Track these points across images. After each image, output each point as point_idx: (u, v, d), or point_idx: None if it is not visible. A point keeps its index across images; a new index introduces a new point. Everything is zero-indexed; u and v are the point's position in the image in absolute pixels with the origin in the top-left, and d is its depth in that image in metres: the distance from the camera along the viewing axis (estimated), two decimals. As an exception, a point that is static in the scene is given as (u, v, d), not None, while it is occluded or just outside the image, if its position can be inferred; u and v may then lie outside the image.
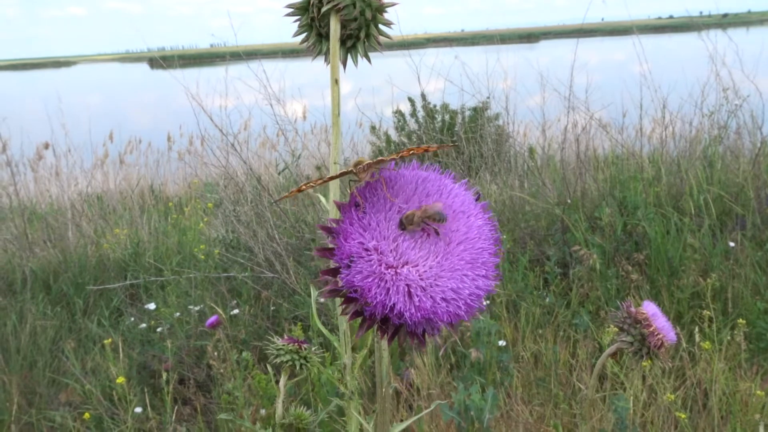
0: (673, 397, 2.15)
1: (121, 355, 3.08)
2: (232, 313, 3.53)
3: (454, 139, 5.74)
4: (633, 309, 1.21)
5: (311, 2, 0.82)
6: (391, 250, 0.64)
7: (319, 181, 0.72)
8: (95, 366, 3.29)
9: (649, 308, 1.20)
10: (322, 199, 0.82)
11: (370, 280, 0.63)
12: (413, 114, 6.85)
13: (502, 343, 2.83)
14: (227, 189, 4.75)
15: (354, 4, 0.80)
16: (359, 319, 0.67)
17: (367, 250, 0.64)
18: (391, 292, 0.63)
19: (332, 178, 0.74)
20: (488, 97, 5.78)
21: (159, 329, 3.52)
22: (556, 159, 5.49)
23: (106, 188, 7.66)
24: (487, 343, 2.61)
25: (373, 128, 7.06)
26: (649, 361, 1.17)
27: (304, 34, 0.85)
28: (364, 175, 0.68)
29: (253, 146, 7.58)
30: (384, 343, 0.75)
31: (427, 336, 0.67)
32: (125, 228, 5.16)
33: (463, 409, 2.00)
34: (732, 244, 3.46)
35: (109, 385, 3.01)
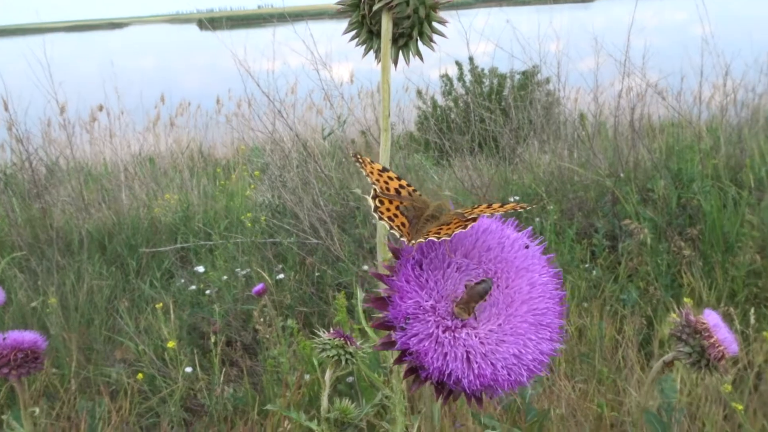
0: (730, 387, 2.09)
1: (172, 316, 3.19)
2: (277, 278, 3.60)
3: (504, 107, 5.62)
4: (693, 317, 1.14)
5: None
6: (449, 312, 0.61)
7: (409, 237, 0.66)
8: (148, 325, 3.42)
9: (711, 318, 1.13)
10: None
11: (426, 344, 0.60)
12: (460, 78, 6.73)
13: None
14: (273, 154, 4.79)
15: (407, 2, 0.77)
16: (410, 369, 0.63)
17: (423, 310, 0.60)
18: (448, 357, 0.59)
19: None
20: (538, 63, 5.61)
21: (208, 292, 3.62)
22: (608, 126, 5.32)
23: (157, 150, 7.84)
24: (531, 317, 2.59)
25: (419, 93, 6.98)
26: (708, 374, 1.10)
27: (355, 31, 0.82)
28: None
29: (299, 111, 7.61)
30: (438, 402, 0.69)
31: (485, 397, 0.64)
32: (176, 194, 5.29)
33: (505, 384, 1.99)
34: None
35: (161, 345, 3.13)
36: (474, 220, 0.63)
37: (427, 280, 0.62)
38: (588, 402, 2.32)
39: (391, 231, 0.67)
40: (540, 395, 2.28)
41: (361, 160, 0.76)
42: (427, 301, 0.61)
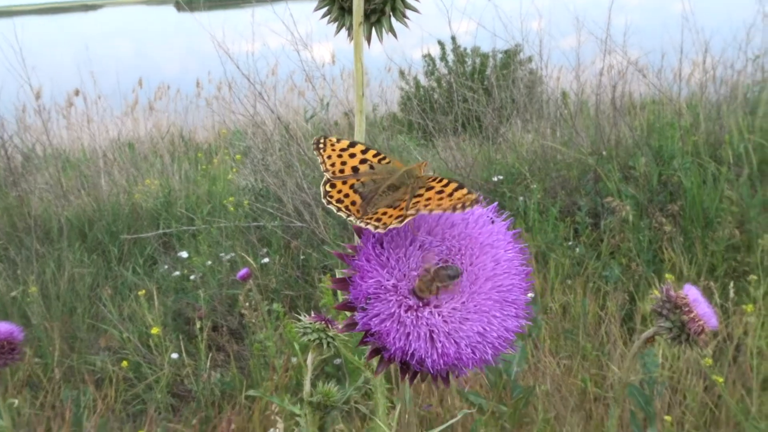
0: (710, 361, 2.13)
1: (156, 303, 3.17)
2: (262, 262, 3.58)
3: (486, 87, 5.60)
4: (673, 293, 1.14)
5: None
6: (411, 291, 0.59)
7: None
8: (132, 312, 3.39)
9: (691, 293, 1.13)
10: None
11: (388, 324, 0.58)
12: (443, 58, 6.70)
13: (529, 294, 2.82)
14: (255, 137, 4.74)
15: None
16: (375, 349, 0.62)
17: (385, 289, 0.58)
18: (411, 337, 0.58)
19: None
20: (520, 42, 5.59)
21: (192, 277, 3.60)
22: (590, 104, 5.33)
23: (136, 135, 7.72)
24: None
25: (402, 73, 6.93)
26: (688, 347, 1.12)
27: (326, 9, 0.79)
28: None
29: (280, 93, 7.53)
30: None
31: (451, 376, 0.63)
32: (156, 179, 5.22)
33: (491, 363, 2.01)
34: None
35: (146, 332, 3.11)
36: (414, 215, 0.60)
37: (388, 259, 0.60)
38: (572, 377, 2.35)
39: (338, 213, 0.64)
40: (525, 372, 2.31)
41: (322, 144, 0.72)
42: (388, 281, 0.59)
